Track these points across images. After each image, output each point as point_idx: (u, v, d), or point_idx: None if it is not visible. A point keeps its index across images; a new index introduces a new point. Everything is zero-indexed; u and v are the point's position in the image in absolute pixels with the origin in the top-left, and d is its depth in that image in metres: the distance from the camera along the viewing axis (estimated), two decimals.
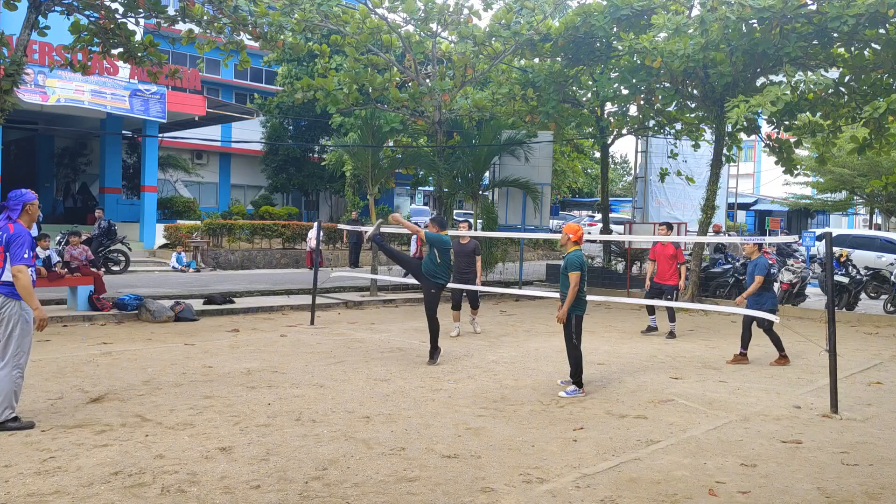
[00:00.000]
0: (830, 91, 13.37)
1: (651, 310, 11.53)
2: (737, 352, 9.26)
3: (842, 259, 15.69)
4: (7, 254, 5.34)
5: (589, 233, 29.41)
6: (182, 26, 12.42)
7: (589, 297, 7.43)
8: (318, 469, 4.81)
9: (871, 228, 34.51)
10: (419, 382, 7.51)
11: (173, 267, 19.43)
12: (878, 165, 26.47)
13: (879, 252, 20.10)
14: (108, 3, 11.72)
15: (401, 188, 36.07)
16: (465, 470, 4.87)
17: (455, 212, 22.43)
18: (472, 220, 16.23)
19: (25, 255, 5.35)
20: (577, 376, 7.17)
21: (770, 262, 9.19)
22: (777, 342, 9.11)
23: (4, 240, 5.36)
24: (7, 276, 5.35)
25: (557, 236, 7.61)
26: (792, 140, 16.79)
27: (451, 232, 11.71)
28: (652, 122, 18.47)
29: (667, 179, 20.15)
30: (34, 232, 16.24)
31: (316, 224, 22.38)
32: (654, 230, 18.07)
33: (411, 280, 12.67)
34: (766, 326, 8.99)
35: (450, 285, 11.07)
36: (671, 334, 10.98)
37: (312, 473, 4.73)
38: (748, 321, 9.07)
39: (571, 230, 7.35)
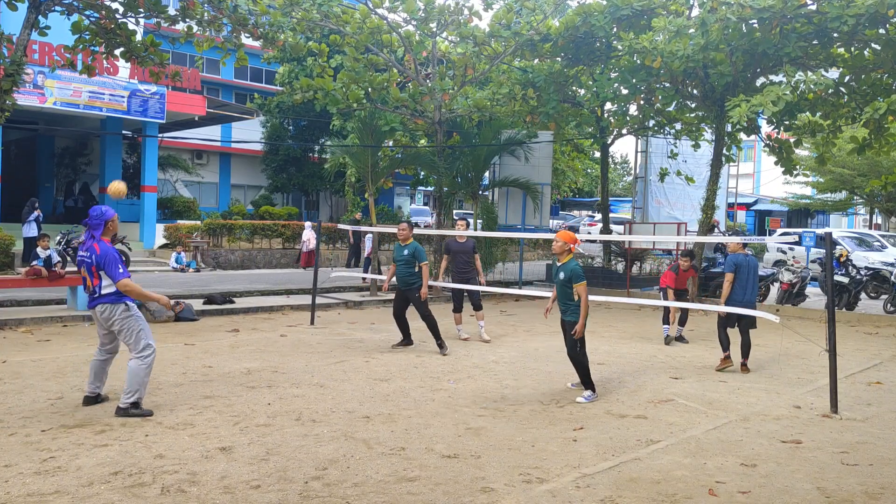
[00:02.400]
0: (830, 91, 13.35)
1: (665, 319, 10.75)
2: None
3: (841, 259, 15.69)
4: (101, 272, 5.89)
5: (589, 233, 29.42)
6: (182, 25, 12.42)
7: (589, 297, 7.36)
8: (318, 469, 4.81)
9: (871, 228, 34.51)
10: (419, 382, 7.51)
11: (173, 267, 19.43)
12: (877, 165, 26.45)
13: None
14: (108, 3, 11.72)
15: (401, 188, 36.06)
16: (465, 470, 4.87)
17: (455, 211, 22.40)
18: (469, 219, 16.07)
19: (121, 271, 5.90)
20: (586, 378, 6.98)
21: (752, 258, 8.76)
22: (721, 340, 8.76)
23: (95, 260, 5.90)
24: (107, 290, 5.92)
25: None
26: (792, 140, 16.78)
27: (448, 231, 11.68)
28: (652, 122, 18.46)
29: (667, 179, 20.16)
30: (34, 232, 16.47)
31: (308, 225, 22.52)
32: (653, 230, 18.13)
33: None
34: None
35: (450, 285, 11.00)
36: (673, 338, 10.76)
37: (312, 473, 4.73)
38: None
39: (570, 238, 6.95)
